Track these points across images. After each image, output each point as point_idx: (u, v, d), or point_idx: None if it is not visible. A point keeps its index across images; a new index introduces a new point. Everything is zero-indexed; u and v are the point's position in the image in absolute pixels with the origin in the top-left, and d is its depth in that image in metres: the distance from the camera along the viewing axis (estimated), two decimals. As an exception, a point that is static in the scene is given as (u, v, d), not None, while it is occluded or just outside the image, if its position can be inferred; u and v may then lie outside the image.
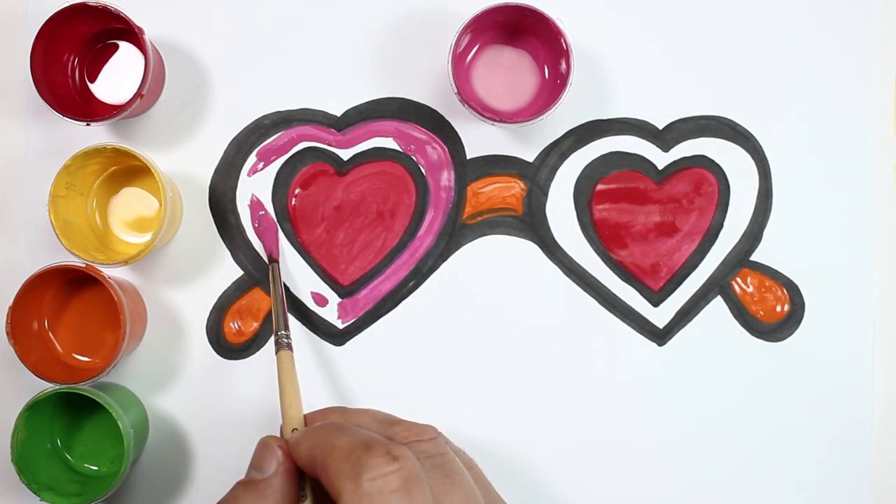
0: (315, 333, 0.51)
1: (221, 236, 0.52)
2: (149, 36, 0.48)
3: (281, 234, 0.51)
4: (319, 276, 0.52)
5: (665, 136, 0.52)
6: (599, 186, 0.52)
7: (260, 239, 0.51)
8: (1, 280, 0.51)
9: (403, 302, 0.52)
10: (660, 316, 0.52)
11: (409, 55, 0.52)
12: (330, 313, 0.52)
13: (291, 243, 0.52)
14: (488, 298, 0.52)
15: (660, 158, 0.52)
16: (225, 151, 0.52)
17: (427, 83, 0.52)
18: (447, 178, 0.52)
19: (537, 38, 0.50)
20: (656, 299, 0.52)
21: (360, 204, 0.52)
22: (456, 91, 0.47)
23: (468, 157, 0.52)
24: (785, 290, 0.52)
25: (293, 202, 0.52)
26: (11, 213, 0.51)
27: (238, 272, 0.51)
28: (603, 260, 0.52)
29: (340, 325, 0.52)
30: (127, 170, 0.51)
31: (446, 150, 0.52)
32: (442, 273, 0.52)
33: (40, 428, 0.48)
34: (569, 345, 0.52)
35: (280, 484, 0.36)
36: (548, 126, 0.52)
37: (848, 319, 0.52)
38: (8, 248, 0.51)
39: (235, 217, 0.52)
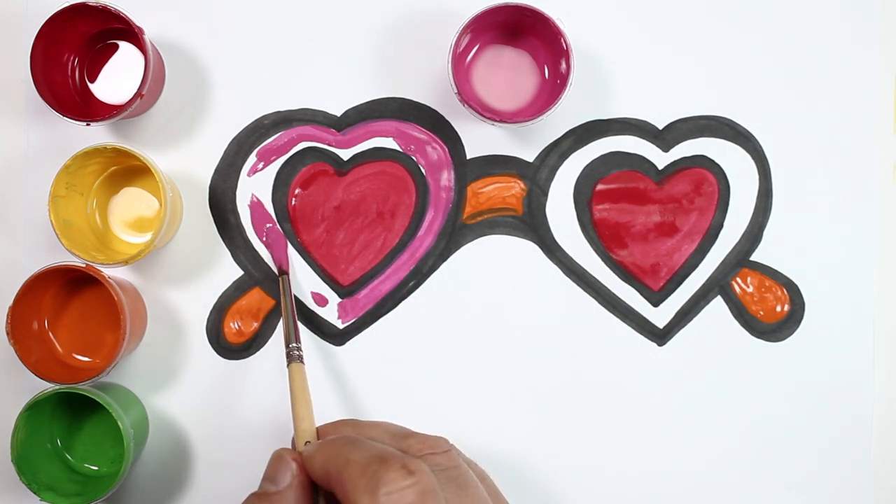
0: (315, 333, 0.51)
1: (221, 236, 0.52)
2: (149, 36, 0.48)
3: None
4: (319, 276, 0.52)
5: (665, 136, 0.52)
6: (599, 186, 0.52)
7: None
8: (1, 280, 0.51)
9: (403, 302, 0.52)
10: (660, 316, 0.52)
11: (409, 55, 0.52)
12: (330, 313, 0.52)
13: (291, 243, 0.52)
14: (488, 298, 0.52)
15: (660, 158, 0.52)
16: (225, 151, 0.52)
17: (427, 83, 0.52)
18: (447, 178, 0.52)
19: (537, 38, 0.50)
20: (656, 299, 0.52)
21: (360, 204, 0.52)
22: (456, 91, 0.47)
23: (468, 157, 0.52)
24: (785, 290, 0.52)
25: (293, 202, 0.52)
26: (11, 213, 0.51)
27: (238, 272, 0.51)
28: (603, 260, 0.52)
29: (340, 325, 0.52)
30: (127, 170, 0.51)
31: (446, 150, 0.52)
32: (442, 273, 0.52)
33: (40, 428, 0.48)
34: (569, 345, 0.52)
35: (294, 497, 0.36)
36: (548, 126, 0.52)
37: (848, 319, 0.52)
38: (8, 248, 0.51)
39: (235, 217, 0.52)
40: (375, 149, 0.52)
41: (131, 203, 0.51)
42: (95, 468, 0.50)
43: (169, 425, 0.51)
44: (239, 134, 0.52)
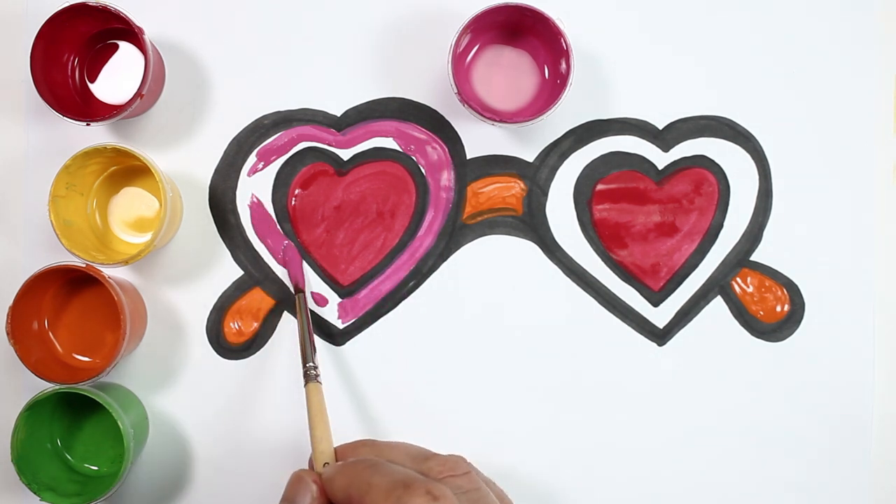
0: (315, 333, 0.51)
1: (221, 236, 0.52)
2: (149, 36, 0.48)
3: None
4: (319, 276, 0.52)
5: (665, 136, 0.52)
6: (599, 186, 0.52)
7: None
8: (1, 280, 0.51)
9: (403, 302, 0.52)
10: (660, 316, 0.52)
11: (409, 55, 0.52)
12: (330, 313, 0.52)
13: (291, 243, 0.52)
14: (488, 298, 0.52)
15: (660, 158, 0.52)
16: (225, 151, 0.52)
17: (427, 83, 0.52)
18: (447, 178, 0.52)
19: (537, 38, 0.50)
20: (656, 299, 0.52)
21: (360, 204, 0.52)
22: (456, 91, 0.47)
23: (468, 157, 0.52)
24: (785, 290, 0.52)
25: (293, 202, 0.52)
26: (11, 213, 0.51)
27: (238, 272, 0.51)
28: (603, 260, 0.52)
29: (340, 325, 0.52)
30: (127, 170, 0.51)
31: (446, 150, 0.52)
32: (442, 273, 0.52)
33: (40, 428, 0.48)
34: (569, 345, 0.52)
35: None
36: (548, 126, 0.52)
37: (848, 319, 0.52)
38: (8, 248, 0.51)
39: (235, 217, 0.52)
40: (375, 149, 0.52)
41: (131, 203, 0.51)
42: (95, 468, 0.50)
43: (169, 425, 0.51)
44: (239, 134, 0.52)
